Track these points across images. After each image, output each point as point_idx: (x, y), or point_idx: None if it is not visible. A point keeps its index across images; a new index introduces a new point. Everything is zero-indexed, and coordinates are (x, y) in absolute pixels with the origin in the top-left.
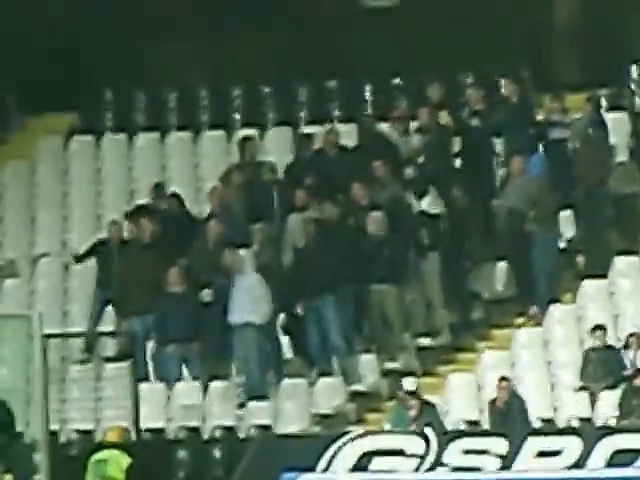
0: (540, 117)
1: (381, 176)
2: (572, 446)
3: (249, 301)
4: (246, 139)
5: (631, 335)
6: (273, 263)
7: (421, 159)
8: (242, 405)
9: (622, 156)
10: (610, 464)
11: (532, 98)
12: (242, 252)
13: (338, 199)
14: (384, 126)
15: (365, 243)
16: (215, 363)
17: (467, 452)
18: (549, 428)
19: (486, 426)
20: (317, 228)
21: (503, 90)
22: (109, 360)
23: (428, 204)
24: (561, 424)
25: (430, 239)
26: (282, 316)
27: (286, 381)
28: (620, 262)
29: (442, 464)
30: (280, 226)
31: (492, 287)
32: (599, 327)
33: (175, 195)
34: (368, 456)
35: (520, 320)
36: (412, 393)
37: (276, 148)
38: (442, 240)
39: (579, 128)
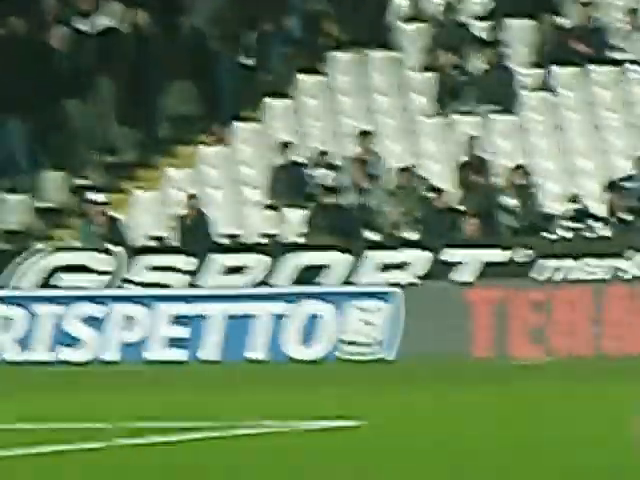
0: None
1: None
2: (259, 263)
3: None
4: None
5: (318, 153)
6: None
7: None
8: None
9: None
10: (296, 281)
11: None
12: None
13: (27, 13)
14: None
15: (50, 58)
16: None
17: (154, 269)
18: (236, 245)
19: (173, 243)
20: (4, 43)
21: None
22: None
23: (109, 19)
24: (248, 241)
25: (113, 55)
26: None
27: None
28: (306, 80)
29: (129, 281)
30: None
31: (176, 105)
32: (285, 144)
33: None
34: (55, 272)
35: (205, 138)
36: (99, 204)
37: None
38: (126, 57)
39: None
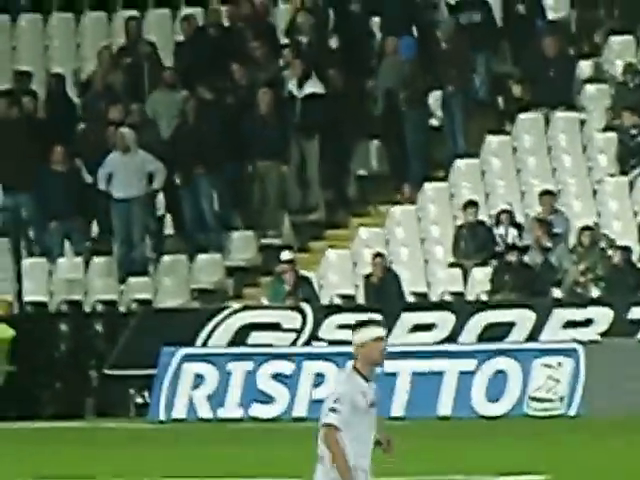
0: None
1: (259, 57)
2: (445, 320)
3: (135, 177)
4: (130, 19)
5: (502, 212)
6: (152, 140)
7: (302, 39)
8: (123, 280)
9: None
10: (482, 338)
11: None
12: (127, 130)
13: (218, 78)
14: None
15: (246, 121)
16: (97, 239)
17: (342, 327)
18: (423, 303)
19: (361, 301)
20: (196, 106)
21: None
22: None
23: (310, 86)
24: (434, 299)
25: (311, 119)
26: (163, 193)
27: (166, 257)
28: (491, 141)
29: (318, 338)
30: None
31: (367, 165)
32: (471, 203)
33: (57, 75)
34: (246, 330)
35: (394, 197)
36: (289, 263)
37: (156, 30)
38: (320, 120)
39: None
